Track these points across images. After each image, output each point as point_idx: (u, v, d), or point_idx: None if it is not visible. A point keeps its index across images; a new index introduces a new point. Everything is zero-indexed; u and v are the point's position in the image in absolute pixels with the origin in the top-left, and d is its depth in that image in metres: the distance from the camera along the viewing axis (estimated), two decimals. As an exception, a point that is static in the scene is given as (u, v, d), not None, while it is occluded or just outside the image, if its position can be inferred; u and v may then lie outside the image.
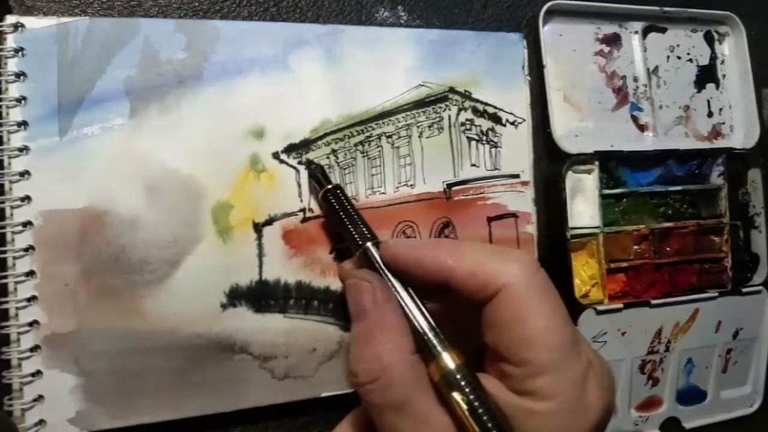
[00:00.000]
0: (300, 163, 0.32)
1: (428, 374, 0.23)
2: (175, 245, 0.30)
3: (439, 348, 0.23)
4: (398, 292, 0.26)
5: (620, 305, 0.37)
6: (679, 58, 0.43)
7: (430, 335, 0.24)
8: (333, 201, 0.30)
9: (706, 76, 0.43)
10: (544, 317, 0.22)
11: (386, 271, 0.26)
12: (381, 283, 0.26)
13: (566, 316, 0.23)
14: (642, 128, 0.41)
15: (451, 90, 0.35)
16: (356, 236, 0.28)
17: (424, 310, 0.25)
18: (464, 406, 0.21)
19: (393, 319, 0.24)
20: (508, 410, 0.22)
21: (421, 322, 0.24)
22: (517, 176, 0.36)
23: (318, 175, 0.31)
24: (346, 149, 0.33)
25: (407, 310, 0.25)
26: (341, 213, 0.29)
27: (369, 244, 0.27)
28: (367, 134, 0.34)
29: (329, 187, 0.30)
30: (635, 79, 0.41)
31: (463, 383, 0.22)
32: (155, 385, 0.30)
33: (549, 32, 0.39)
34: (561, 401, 0.21)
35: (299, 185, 0.32)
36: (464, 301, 0.24)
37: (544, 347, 0.22)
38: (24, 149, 0.29)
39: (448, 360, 0.23)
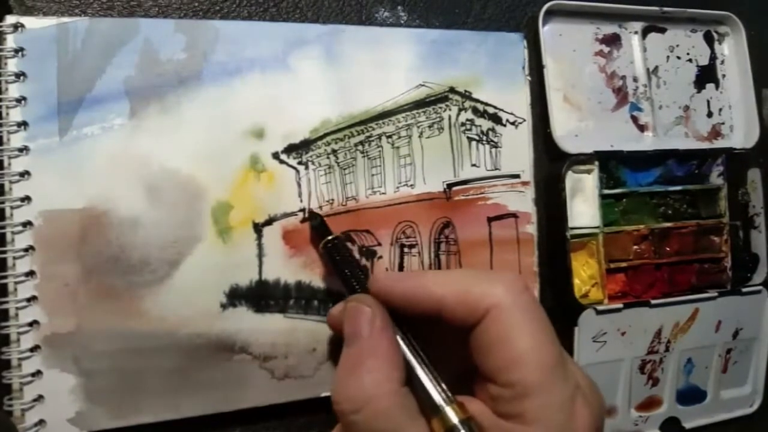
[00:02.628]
0: (300, 163, 0.32)
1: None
2: (175, 245, 0.30)
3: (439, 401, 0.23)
4: (399, 329, 0.25)
5: (620, 305, 0.37)
6: (678, 58, 0.43)
7: (431, 386, 0.23)
8: (333, 252, 0.30)
9: (706, 76, 0.43)
10: (530, 336, 0.22)
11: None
12: (382, 311, 0.25)
13: (553, 335, 0.23)
14: (642, 128, 0.41)
15: (452, 90, 0.35)
16: (356, 286, 0.28)
17: (423, 356, 0.24)
18: None
19: (386, 347, 0.24)
20: None
21: (421, 373, 0.24)
22: (517, 176, 0.36)
23: (319, 227, 0.31)
24: (346, 149, 0.33)
25: (404, 348, 0.24)
26: (341, 263, 0.29)
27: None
28: (367, 134, 0.34)
29: (329, 238, 0.30)
30: (635, 79, 0.41)
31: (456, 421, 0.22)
32: (155, 385, 0.30)
33: (549, 32, 0.39)
34: (548, 426, 0.21)
35: (299, 185, 0.32)
36: (453, 329, 0.23)
37: (530, 367, 0.21)
38: (24, 149, 0.29)
39: (453, 415, 0.22)
